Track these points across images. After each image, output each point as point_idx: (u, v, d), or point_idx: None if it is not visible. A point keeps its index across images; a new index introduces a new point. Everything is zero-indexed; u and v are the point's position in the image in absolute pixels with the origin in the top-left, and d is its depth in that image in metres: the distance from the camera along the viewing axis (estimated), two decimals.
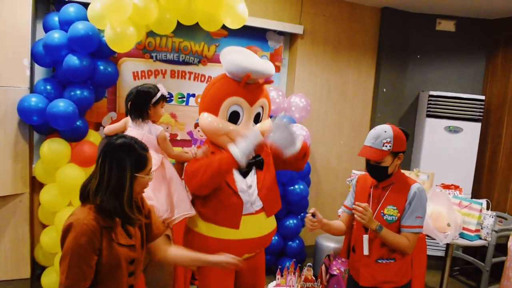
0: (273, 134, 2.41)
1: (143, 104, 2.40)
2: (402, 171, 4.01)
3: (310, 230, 2.34)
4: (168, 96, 2.62)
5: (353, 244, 2.53)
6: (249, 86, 2.47)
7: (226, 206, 2.45)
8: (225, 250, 2.38)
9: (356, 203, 2.32)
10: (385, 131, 2.28)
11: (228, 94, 2.45)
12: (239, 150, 2.35)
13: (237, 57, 2.43)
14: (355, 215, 2.29)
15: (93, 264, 1.69)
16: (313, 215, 2.29)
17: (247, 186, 2.51)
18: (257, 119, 2.57)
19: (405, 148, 2.36)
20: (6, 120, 3.35)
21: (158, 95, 2.43)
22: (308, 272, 3.10)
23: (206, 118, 2.47)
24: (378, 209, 2.36)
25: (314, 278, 2.91)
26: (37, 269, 3.82)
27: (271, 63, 2.57)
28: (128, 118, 2.55)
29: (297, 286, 2.10)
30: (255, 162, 2.52)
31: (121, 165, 1.69)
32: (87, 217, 1.68)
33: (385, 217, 2.32)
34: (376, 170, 2.34)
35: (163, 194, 2.42)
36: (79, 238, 1.64)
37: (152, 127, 2.44)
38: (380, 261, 2.35)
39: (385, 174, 2.34)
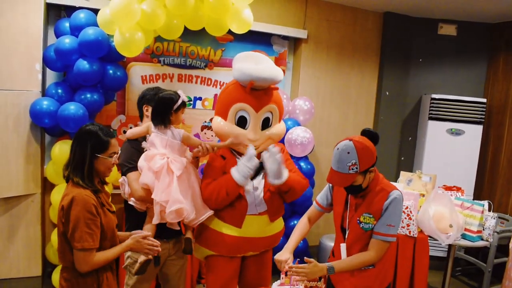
0: (264, 162, 2.55)
1: (165, 111, 2.46)
2: (404, 172, 4.11)
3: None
4: (188, 100, 2.68)
5: (333, 249, 2.48)
6: (255, 92, 2.55)
7: (232, 205, 2.59)
8: (226, 245, 2.59)
9: (290, 266, 2.19)
10: (347, 152, 2.08)
11: (235, 100, 2.57)
12: (238, 173, 2.51)
13: (243, 65, 2.52)
14: (314, 283, 2.18)
15: (99, 225, 2.00)
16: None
17: (254, 188, 2.61)
18: (267, 123, 2.63)
19: (375, 159, 2.17)
20: (19, 123, 3.46)
21: (179, 101, 2.49)
22: None
23: (218, 122, 2.64)
24: (354, 216, 2.26)
25: (318, 277, 2.96)
26: (48, 267, 3.92)
27: (279, 68, 2.60)
28: (149, 123, 2.62)
29: (301, 285, 2.16)
30: (260, 164, 2.59)
31: (83, 145, 2.05)
32: (82, 190, 2.00)
33: (361, 225, 2.22)
34: (349, 188, 2.22)
35: (189, 197, 2.52)
36: (85, 206, 1.95)
37: (175, 131, 2.51)
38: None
39: (360, 189, 2.20)
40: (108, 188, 2.83)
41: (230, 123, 2.59)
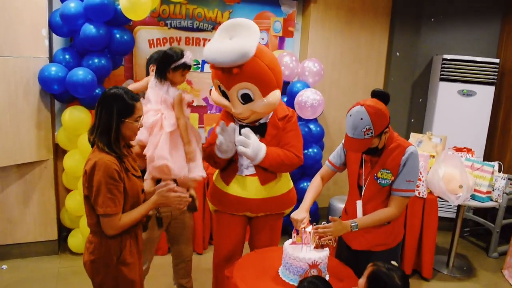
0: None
1: (164, 65, 2.46)
2: (414, 134, 4.10)
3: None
4: (195, 64, 2.58)
5: (346, 207, 2.51)
6: (224, 70, 2.44)
7: (229, 164, 2.70)
8: (222, 201, 2.73)
9: (316, 226, 2.19)
10: (361, 118, 2.08)
11: (214, 75, 2.56)
12: (216, 147, 2.58)
13: (210, 42, 2.49)
14: (324, 240, 2.16)
15: (122, 191, 2.00)
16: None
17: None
18: (248, 98, 2.50)
19: (388, 120, 2.17)
20: (28, 90, 3.46)
21: (180, 61, 2.45)
22: None
23: (212, 91, 2.69)
24: (370, 172, 2.28)
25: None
26: (64, 231, 4.02)
27: (244, 47, 2.36)
28: (149, 78, 2.64)
29: (313, 243, 2.20)
30: (257, 128, 2.60)
31: (109, 110, 1.99)
32: (105, 155, 1.97)
33: (378, 181, 2.25)
34: (366, 151, 2.21)
35: (180, 153, 2.49)
36: (107, 171, 1.93)
37: (170, 89, 2.49)
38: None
39: (376, 149, 2.23)
40: None
41: (219, 94, 2.61)
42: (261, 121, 2.63)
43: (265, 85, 2.48)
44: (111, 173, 1.94)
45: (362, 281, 1.87)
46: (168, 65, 2.46)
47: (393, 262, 1.91)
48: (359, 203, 2.34)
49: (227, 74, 2.43)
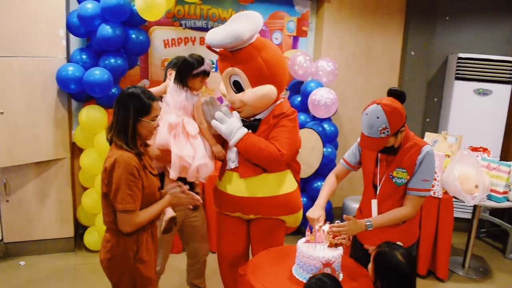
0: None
1: (184, 72, 2.51)
2: (429, 133, 4.07)
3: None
4: (213, 70, 2.62)
5: (361, 206, 2.50)
6: (220, 54, 2.56)
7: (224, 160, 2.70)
8: (216, 198, 2.76)
9: (331, 225, 2.18)
10: (377, 117, 2.08)
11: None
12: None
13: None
14: (338, 239, 2.15)
15: (141, 188, 2.02)
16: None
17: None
18: (240, 87, 2.54)
19: (405, 119, 2.16)
20: (46, 89, 3.52)
21: (200, 68, 2.51)
22: None
23: (221, 83, 2.75)
24: (386, 171, 2.27)
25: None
26: (80, 228, 4.09)
27: (235, 31, 2.40)
28: (168, 83, 2.69)
29: (326, 242, 2.20)
30: (250, 124, 2.59)
31: (126, 108, 2.02)
32: (125, 152, 2.00)
33: (394, 180, 2.24)
34: (382, 150, 2.21)
35: (208, 150, 2.60)
36: (127, 168, 1.96)
37: (189, 95, 2.54)
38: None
39: (392, 148, 2.21)
40: None
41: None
42: (257, 117, 2.60)
43: (255, 75, 2.49)
44: (131, 170, 1.97)
45: (370, 265, 1.92)
46: (188, 72, 2.51)
47: (398, 243, 1.95)
48: (374, 202, 2.33)
49: (222, 57, 2.54)
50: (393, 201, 2.28)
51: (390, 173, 2.25)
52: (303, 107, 4.28)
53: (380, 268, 1.88)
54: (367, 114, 2.14)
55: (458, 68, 4.65)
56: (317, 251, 2.09)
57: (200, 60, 2.53)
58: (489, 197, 3.67)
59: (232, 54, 2.50)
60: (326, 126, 4.26)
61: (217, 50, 2.54)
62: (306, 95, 4.18)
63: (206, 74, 2.56)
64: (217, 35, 2.45)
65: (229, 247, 2.77)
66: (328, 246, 2.16)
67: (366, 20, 4.76)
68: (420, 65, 4.96)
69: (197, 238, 2.87)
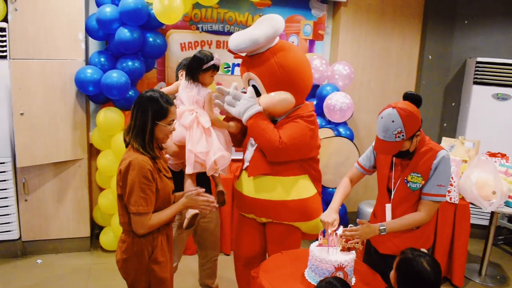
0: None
1: (194, 67, 2.58)
2: (446, 138, 4.02)
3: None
4: (225, 67, 2.68)
5: (375, 210, 2.49)
6: (243, 57, 2.62)
7: None
8: (235, 197, 2.81)
9: (343, 229, 2.16)
10: (392, 121, 2.07)
11: None
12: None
13: None
14: (351, 243, 2.14)
15: (154, 191, 2.05)
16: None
17: (251, 144, 2.66)
18: (257, 91, 2.58)
19: (420, 123, 2.15)
20: (65, 91, 3.59)
21: (209, 63, 2.57)
22: None
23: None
24: (400, 176, 2.26)
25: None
26: (96, 228, 4.15)
27: (252, 36, 2.45)
28: (179, 82, 2.82)
29: (339, 246, 2.19)
30: None
31: (144, 112, 2.05)
32: (139, 155, 2.03)
33: (408, 185, 2.22)
34: (397, 154, 2.20)
35: (223, 143, 2.65)
36: (141, 171, 1.99)
37: (201, 89, 2.61)
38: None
39: (408, 153, 2.20)
40: None
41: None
42: (274, 119, 2.61)
43: (269, 80, 2.51)
44: (145, 173, 1.99)
45: (392, 273, 1.88)
46: (199, 67, 2.57)
47: (423, 249, 1.89)
48: (388, 207, 2.31)
49: (243, 61, 2.61)
50: (407, 206, 2.26)
51: (405, 178, 2.24)
52: (318, 111, 4.26)
53: (403, 276, 1.81)
54: (382, 117, 2.12)
55: (477, 72, 4.59)
56: (329, 255, 2.09)
57: (209, 56, 2.59)
58: (507, 204, 3.60)
59: (250, 58, 2.55)
60: (341, 130, 4.25)
61: (238, 54, 2.60)
62: (322, 99, 4.17)
63: (216, 68, 2.62)
64: (235, 39, 2.51)
65: (245, 247, 2.79)
66: (341, 250, 2.15)
67: (383, 24, 4.74)
68: (438, 69, 4.92)
69: (209, 239, 2.90)
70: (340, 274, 2.04)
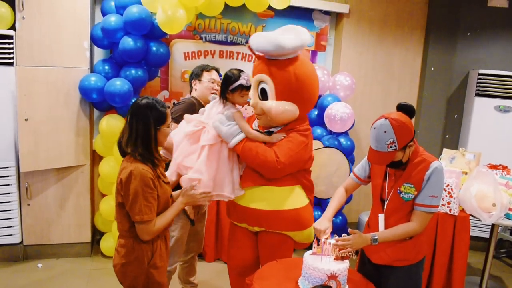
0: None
1: (223, 86, 2.55)
2: (446, 150, 4.02)
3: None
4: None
5: (368, 220, 2.48)
6: (258, 57, 2.63)
7: None
8: (227, 206, 2.77)
9: (336, 239, 2.17)
10: (384, 131, 2.09)
11: None
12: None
13: None
14: (343, 252, 2.14)
15: (156, 198, 2.08)
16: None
17: None
18: (265, 95, 2.56)
19: (413, 133, 2.17)
20: (69, 98, 3.65)
21: (236, 83, 2.51)
22: None
23: None
24: (394, 186, 2.26)
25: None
26: (97, 234, 4.19)
27: (277, 39, 2.44)
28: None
29: (333, 255, 2.20)
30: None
31: (145, 120, 2.06)
32: (139, 165, 2.04)
33: (401, 195, 2.22)
34: (390, 164, 2.21)
35: (213, 170, 2.50)
36: (143, 180, 2.01)
37: (229, 108, 2.56)
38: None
39: (400, 163, 2.21)
40: None
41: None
42: (270, 129, 2.63)
43: (283, 88, 2.51)
44: (147, 182, 2.02)
45: None
46: (226, 86, 2.54)
47: None
48: (381, 217, 2.31)
49: (259, 62, 2.58)
50: (400, 216, 2.27)
51: (398, 188, 2.24)
52: (319, 121, 4.30)
53: None
54: (375, 128, 2.14)
55: (479, 84, 4.60)
56: (322, 264, 2.10)
57: (236, 75, 2.52)
58: (507, 216, 3.58)
59: (269, 62, 2.53)
60: (342, 140, 4.26)
61: (257, 53, 2.59)
62: (323, 109, 4.20)
63: (243, 88, 2.54)
64: (260, 39, 2.49)
65: (238, 257, 2.80)
66: (334, 259, 2.16)
67: (385, 35, 4.77)
68: (440, 81, 4.93)
69: (195, 238, 3.06)
70: (333, 283, 2.05)
